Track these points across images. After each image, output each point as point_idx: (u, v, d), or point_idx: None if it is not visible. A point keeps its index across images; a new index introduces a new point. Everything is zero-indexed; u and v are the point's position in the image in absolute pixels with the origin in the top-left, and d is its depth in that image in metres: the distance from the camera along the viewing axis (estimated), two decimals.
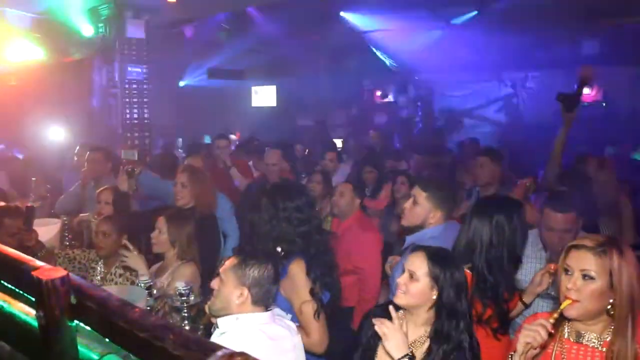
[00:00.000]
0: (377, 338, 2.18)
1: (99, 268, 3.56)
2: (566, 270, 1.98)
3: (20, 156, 7.63)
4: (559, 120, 4.36)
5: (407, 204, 3.15)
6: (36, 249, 3.46)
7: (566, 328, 2.05)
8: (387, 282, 4.09)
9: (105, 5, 8.96)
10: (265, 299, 2.30)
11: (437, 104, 12.85)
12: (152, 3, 9.03)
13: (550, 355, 2.05)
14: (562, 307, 1.93)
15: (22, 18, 8.73)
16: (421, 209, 3.06)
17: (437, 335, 2.18)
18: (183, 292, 2.72)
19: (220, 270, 2.34)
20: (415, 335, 2.23)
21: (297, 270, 2.74)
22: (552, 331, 1.89)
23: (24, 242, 3.43)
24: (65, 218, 4.52)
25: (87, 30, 9.32)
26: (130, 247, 3.16)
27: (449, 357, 2.14)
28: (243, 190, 5.70)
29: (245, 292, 2.25)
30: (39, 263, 1.90)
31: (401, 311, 2.26)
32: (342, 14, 11.01)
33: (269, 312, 2.31)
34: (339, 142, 9.37)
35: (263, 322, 2.27)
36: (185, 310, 2.73)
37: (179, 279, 3.02)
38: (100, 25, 9.23)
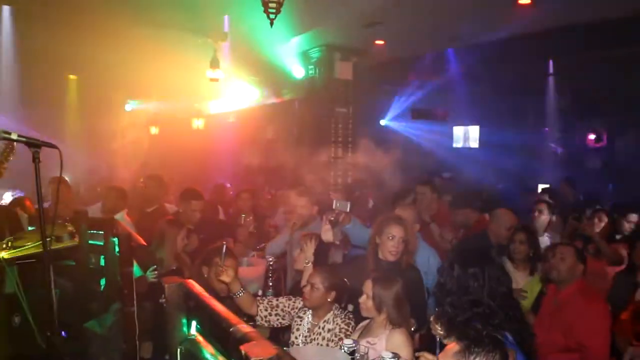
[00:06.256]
0: None
1: (306, 318, 3.43)
2: None
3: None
4: None
5: None
6: (234, 287, 3.36)
7: None
8: None
9: (317, 48, 9.35)
10: None
11: None
12: (361, 45, 9.21)
13: None
14: None
15: (241, 62, 9.41)
16: None
17: None
18: None
19: (440, 356, 2.16)
20: None
21: None
22: None
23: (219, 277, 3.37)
24: (270, 259, 4.58)
25: (298, 72, 9.81)
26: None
27: None
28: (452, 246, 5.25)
29: None
30: (246, 328, 1.79)
31: None
32: None
33: None
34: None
35: None
36: None
37: (389, 348, 2.86)
38: (311, 67, 9.65)
